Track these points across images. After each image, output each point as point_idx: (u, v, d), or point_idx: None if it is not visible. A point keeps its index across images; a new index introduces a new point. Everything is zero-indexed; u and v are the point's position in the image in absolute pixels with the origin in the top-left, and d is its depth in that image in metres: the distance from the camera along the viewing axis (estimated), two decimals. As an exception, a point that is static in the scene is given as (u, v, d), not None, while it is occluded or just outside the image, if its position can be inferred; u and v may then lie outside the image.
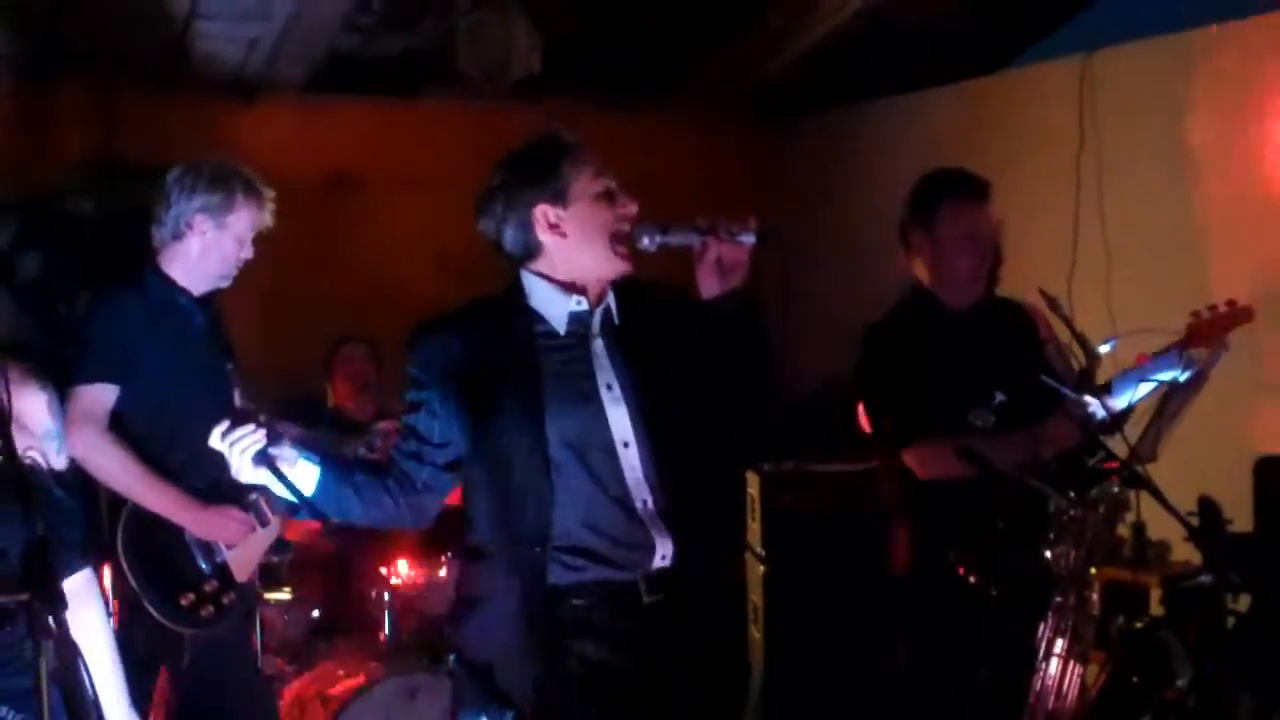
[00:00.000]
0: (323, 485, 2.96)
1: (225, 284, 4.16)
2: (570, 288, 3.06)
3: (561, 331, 3.06)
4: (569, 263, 3.05)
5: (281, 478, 2.86)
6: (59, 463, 2.71)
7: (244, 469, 2.86)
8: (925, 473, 4.04)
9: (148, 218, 4.13)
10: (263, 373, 4.43)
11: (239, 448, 2.84)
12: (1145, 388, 4.26)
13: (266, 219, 4.15)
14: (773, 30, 7.12)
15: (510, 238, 3.06)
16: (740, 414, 3.19)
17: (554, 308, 3.06)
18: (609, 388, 3.04)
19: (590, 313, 3.08)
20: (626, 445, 3.02)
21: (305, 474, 2.94)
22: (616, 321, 3.11)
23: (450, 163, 7.30)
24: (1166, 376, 4.34)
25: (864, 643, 4.51)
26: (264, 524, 4.11)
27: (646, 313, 3.13)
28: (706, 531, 3.14)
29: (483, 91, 5.59)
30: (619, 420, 3.02)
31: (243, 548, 4.08)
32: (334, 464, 3.00)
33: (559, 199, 3.01)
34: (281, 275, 6.65)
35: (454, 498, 3.15)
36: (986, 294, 4.27)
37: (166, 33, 6.11)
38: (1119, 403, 4.15)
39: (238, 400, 4.24)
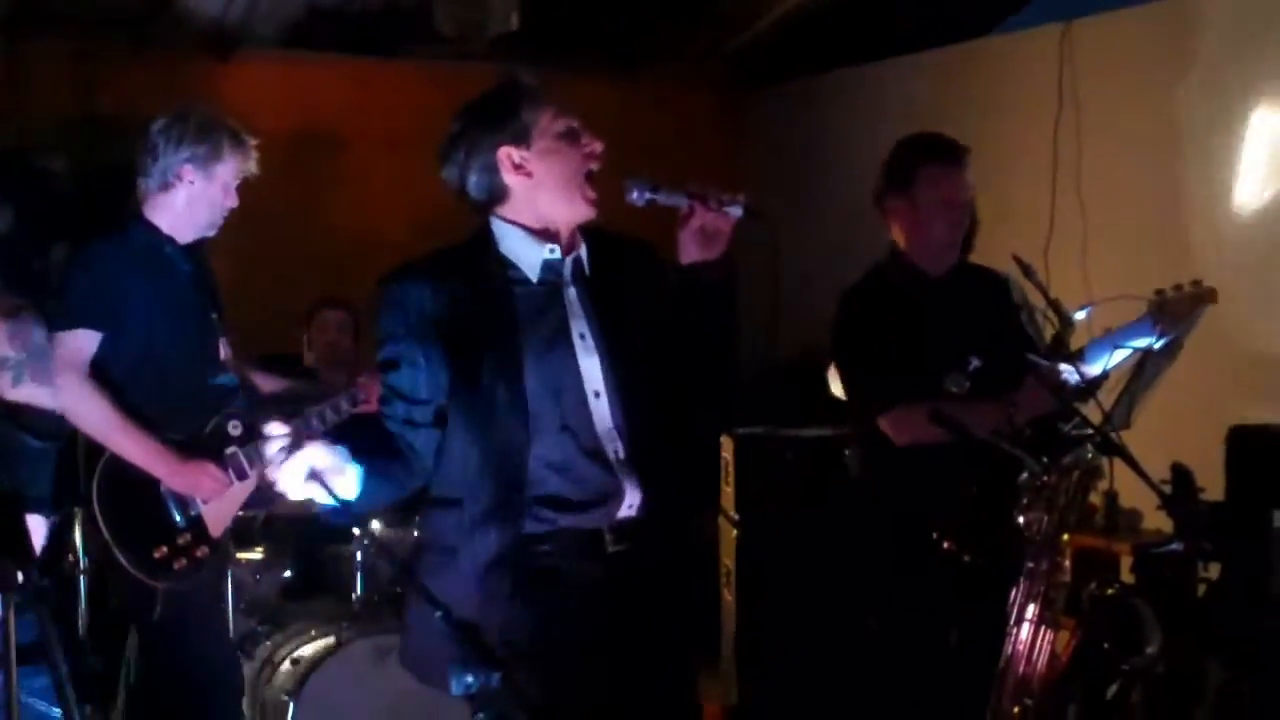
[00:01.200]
0: (363, 485, 2.90)
1: (212, 232, 4.14)
2: (542, 234, 3.05)
3: (534, 279, 3.05)
4: (536, 205, 3.03)
5: (329, 489, 2.77)
6: (15, 394, 2.66)
7: (293, 488, 2.75)
8: (901, 438, 4.04)
9: (123, 173, 4.11)
10: (238, 330, 4.40)
11: (288, 470, 2.72)
12: (1119, 354, 4.27)
13: (251, 166, 4.15)
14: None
15: (475, 183, 3.04)
16: (704, 381, 3.17)
17: (526, 254, 3.05)
18: (582, 337, 3.04)
19: (562, 260, 3.07)
20: (598, 395, 3.02)
21: (349, 479, 2.86)
22: (588, 271, 3.10)
23: (429, 122, 7.27)
24: (1141, 343, 4.35)
25: (836, 606, 4.52)
26: (241, 478, 4.10)
27: (619, 265, 3.12)
28: (674, 484, 3.12)
29: (460, 50, 5.56)
30: (590, 369, 3.02)
31: (219, 502, 4.06)
32: (366, 460, 2.91)
33: (521, 139, 3.00)
34: (257, 233, 6.61)
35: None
36: (962, 259, 4.27)
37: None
38: (1093, 369, 4.16)
39: (223, 352, 4.22)
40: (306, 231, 6.99)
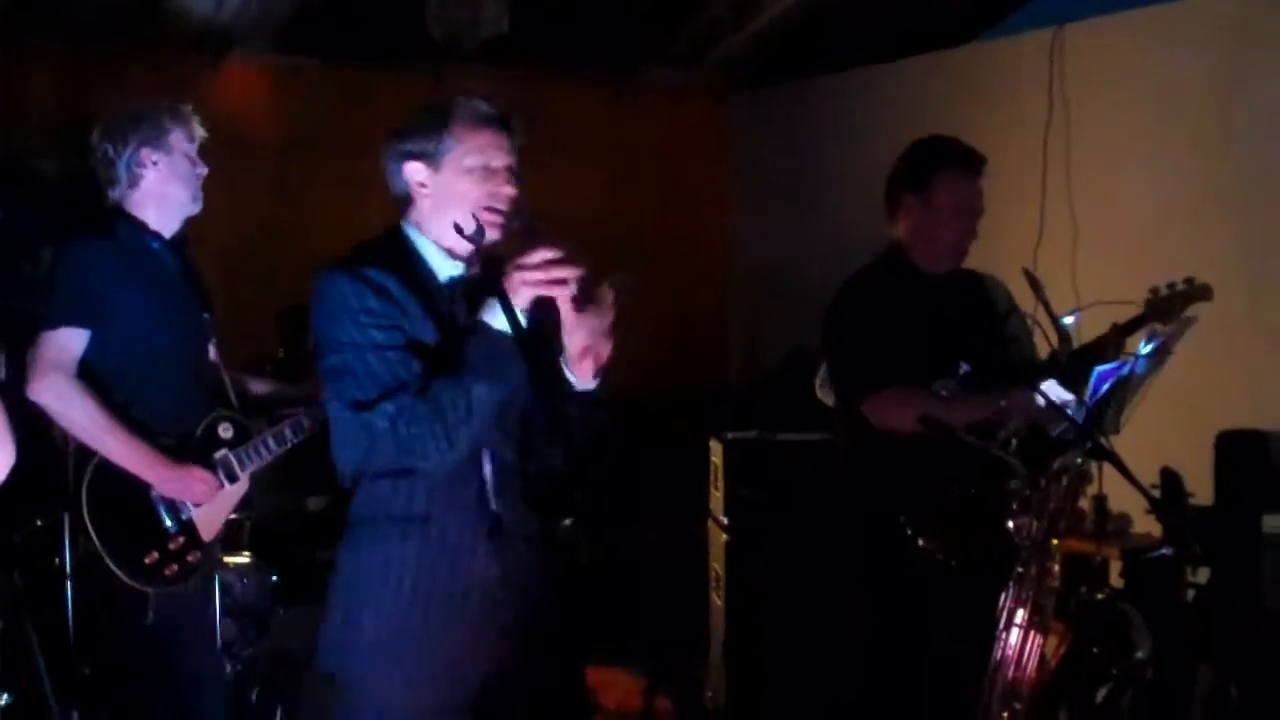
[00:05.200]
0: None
1: (197, 207, 4.10)
2: (448, 251, 3.08)
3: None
4: (432, 224, 3.06)
5: None
6: None
7: None
8: (880, 422, 4.04)
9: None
10: (228, 333, 4.39)
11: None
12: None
13: (199, 129, 4.14)
14: (742, 0, 7.11)
15: (392, 184, 3.11)
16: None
17: (437, 263, 3.09)
18: None
19: (463, 279, 3.09)
20: None
21: None
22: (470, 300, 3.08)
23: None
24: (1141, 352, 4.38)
25: (824, 610, 4.52)
26: (232, 481, 4.09)
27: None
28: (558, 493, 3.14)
29: (450, 55, 5.55)
30: None
31: (210, 506, 4.05)
32: None
33: (431, 161, 3.04)
34: (246, 236, 6.62)
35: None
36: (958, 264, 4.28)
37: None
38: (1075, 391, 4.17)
39: (212, 354, 4.21)
40: (296, 235, 6.97)
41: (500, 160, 3.04)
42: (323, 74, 7.12)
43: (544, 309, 2.95)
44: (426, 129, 3.04)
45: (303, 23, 6.63)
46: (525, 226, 2.97)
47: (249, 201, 6.61)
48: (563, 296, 2.91)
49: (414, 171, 3.04)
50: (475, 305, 2.97)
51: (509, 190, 3.03)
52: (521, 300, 2.87)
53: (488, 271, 3.03)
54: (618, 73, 7.65)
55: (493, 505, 3.02)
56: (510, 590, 3.04)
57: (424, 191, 3.05)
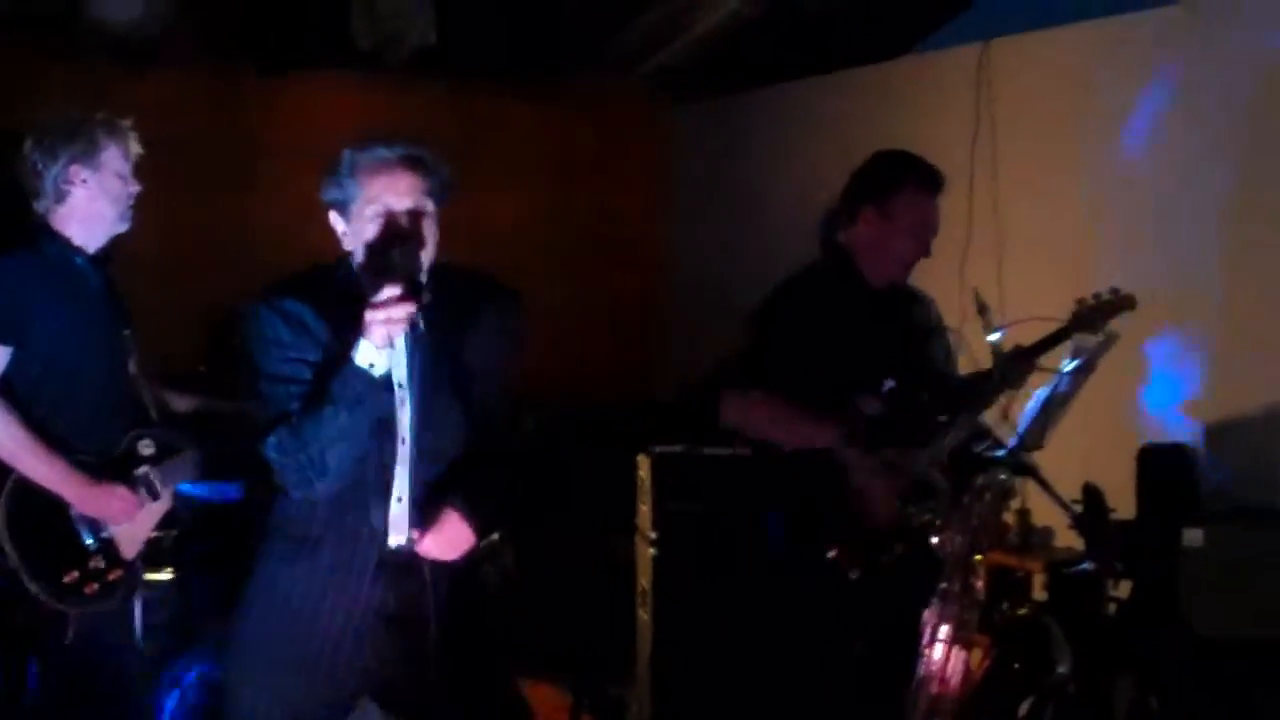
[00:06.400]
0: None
1: (125, 226, 4.06)
2: None
3: None
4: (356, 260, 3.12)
5: None
6: None
7: None
8: (724, 415, 4.06)
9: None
10: (150, 346, 4.34)
11: None
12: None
13: (135, 146, 4.09)
14: (675, 12, 7.11)
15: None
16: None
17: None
18: (400, 386, 3.14)
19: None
20: (404, 441, 3.16)
21: None
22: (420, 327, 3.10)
23: (343, 135, 7.25)
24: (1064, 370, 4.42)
25: (751, 624, 4.51)
26: (154, 499, 4.04)
27: (460, 311, 3.16)
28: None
29: (378, 64, 5.52)
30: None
31: (131, 523, 4.00)
32: None
33: (342, 208, 3.12)
34: (170, 244, 6.55)
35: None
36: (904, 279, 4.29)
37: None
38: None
39: (132, 369, 4.16)
40: (221, 244, 6.93)
41: (402, 203, 3.06)
42: (250, 82, 7.08)
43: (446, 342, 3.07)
44: (335, 178, 3.10)
45: (229, 30, 6.59)
46: (405, 268, 2.98)
47: (175, 208, 6.55)
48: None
49: (335, 221, 3.13)
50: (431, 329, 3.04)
51: (405, 233, 3.04)
52: (376, 338, 2.94)
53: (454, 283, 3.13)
54: (552, 83, 7.64)
55: (388, 540, 3.11)
56: (395, 622, 3.12)
57: (346, 240, 3.13)
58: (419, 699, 3.16)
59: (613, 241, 7.93)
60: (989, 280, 6.04)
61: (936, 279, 5.98)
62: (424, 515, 3.13)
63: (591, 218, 7.86)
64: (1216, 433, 5.38)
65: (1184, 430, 5.43)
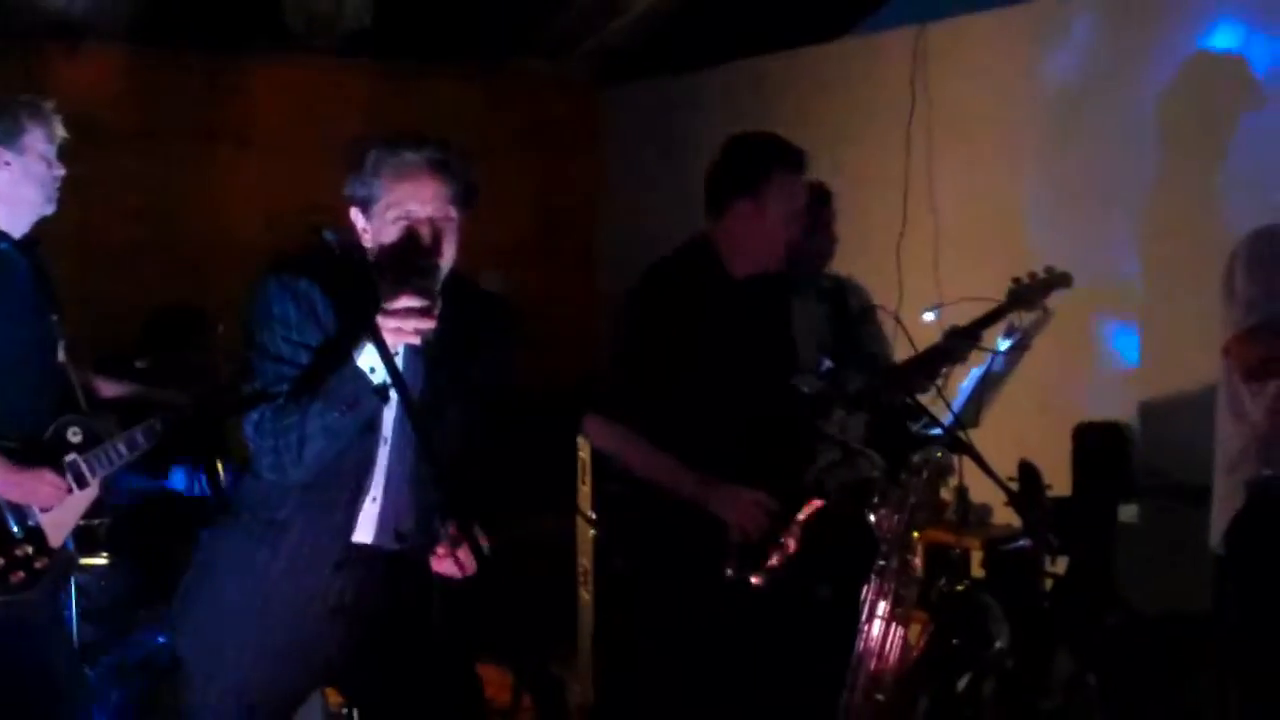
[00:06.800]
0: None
1: (50, 208, 4.00)
2: None
3: None
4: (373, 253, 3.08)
5: None
6: None
7: None
8: (589, 436, 4.00)
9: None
10: (81, 331, 4.29)
11: None
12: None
13: (59, 129, 4.03)
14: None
15: None
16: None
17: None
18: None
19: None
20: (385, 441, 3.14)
21: None
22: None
23: (280, 120, 7.21)
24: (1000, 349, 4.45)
25: (691, 604, 4.50)
26: (82, 486, 3.99)
27: (462, 321, 3.12)
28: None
29: (312, 47, 5.47)
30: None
31: (58, 510, 3.95)
32: None
33: (365, 209, 3.05)
34: (102, 229, 6.49)
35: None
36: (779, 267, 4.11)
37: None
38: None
39: (60, 355, 4.10)
40: (154, 228, 6.86)
41: (425, 210, 3.00)
42: (184, 64, 7.01)
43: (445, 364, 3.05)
44: (359, 176, 3.04)
45: (161, 11, 6.52)
46: (424, 279, 2.93)
47: (107, 192, 6.48)
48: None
49: (355, 217, 3.06)
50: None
51: (425, 244, 2.99)
52: (386, 343, 2.87)
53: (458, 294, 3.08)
54: (487, 65, 7.61)
55: (355, 536, 3.08)
56: (355, 616, 3.10)
57: (366, 236, 3.06)
58: (377, 692, 3.15)
59: (549, 224, 7.92)
60: (925, 262, 6.09)
61: (873, 261, 6.04)
62: (399, 518, 3.11)
63: (527, 201, 7.84)
64: (1150, 410, 5.44)
65: (1119, 408, 5.48)
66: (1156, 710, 4.65)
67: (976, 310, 4.58)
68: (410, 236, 2.98)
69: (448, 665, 3.28)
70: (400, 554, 3.15)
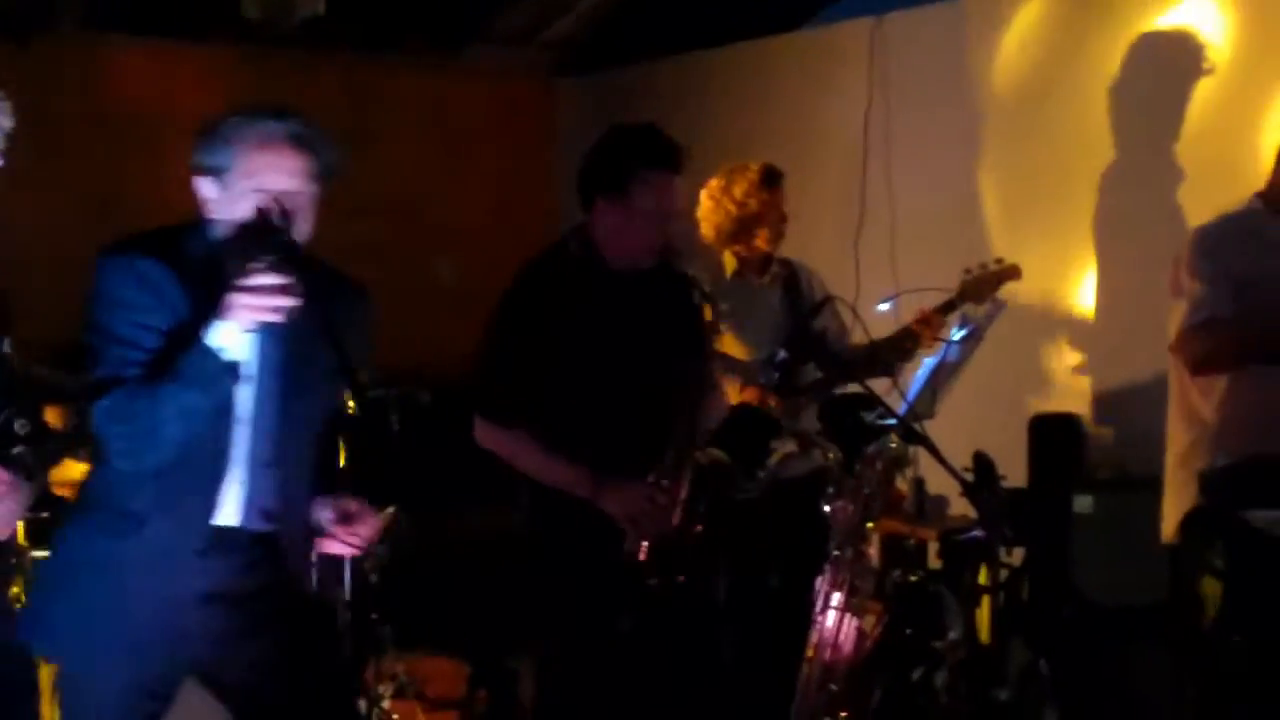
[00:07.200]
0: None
1: None
2: None
3: None
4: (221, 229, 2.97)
5: None
6: None
7: None
8: (481, 441, 3.86)
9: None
10: (29, 321, 4.24)
11: None
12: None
13: (5, 120, 3.98)
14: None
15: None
16: None
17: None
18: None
19: None
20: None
21: None
22: None
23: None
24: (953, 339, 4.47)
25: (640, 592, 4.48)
26: (29, 479, 3.94)
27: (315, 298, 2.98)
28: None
29: (268, 35, 5.42)
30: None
31: (3, 504, 3.90)
32: None
33: (219, 179, 2.92)
34: (57, 218, 6.42)
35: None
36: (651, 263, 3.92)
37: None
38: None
39: (6, 347, 4.05)
40: (109, 218, 6.79)
41: (284, 184, 2.87)
42: (136, 52, 6.95)
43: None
44: (212, 142, 2.91)
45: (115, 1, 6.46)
46: (281, 255, 2.80)
47: (63, 182, 6.43)
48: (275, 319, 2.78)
49: (203, 187, 2.93)
50: None
51: (283, 218, 2.86)
52: (237, 322, 2.77)
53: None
54: (444, 55, 7.57)
55: (220, 520, 2.96)
56: (225, 602, 2.98)
57: (212, 208, 2.93)
58: (248, 679, 3.02)
59: (505, 215, 7.89)
60: (882, 253, 6.10)
61: (831, 253, 6.04)
62: (264, 500, 2.99)
63: (484, 191, 7.80)
64: (1104, 402, 5.47)
65: (1074, 400, 5.51)
66: (1110, 700, 4.67)
67: (931, 301, 4.60)
68: (268, 210, 2.83)
69: (321, 652, 3.19)
70: (272, 536, 3.02)
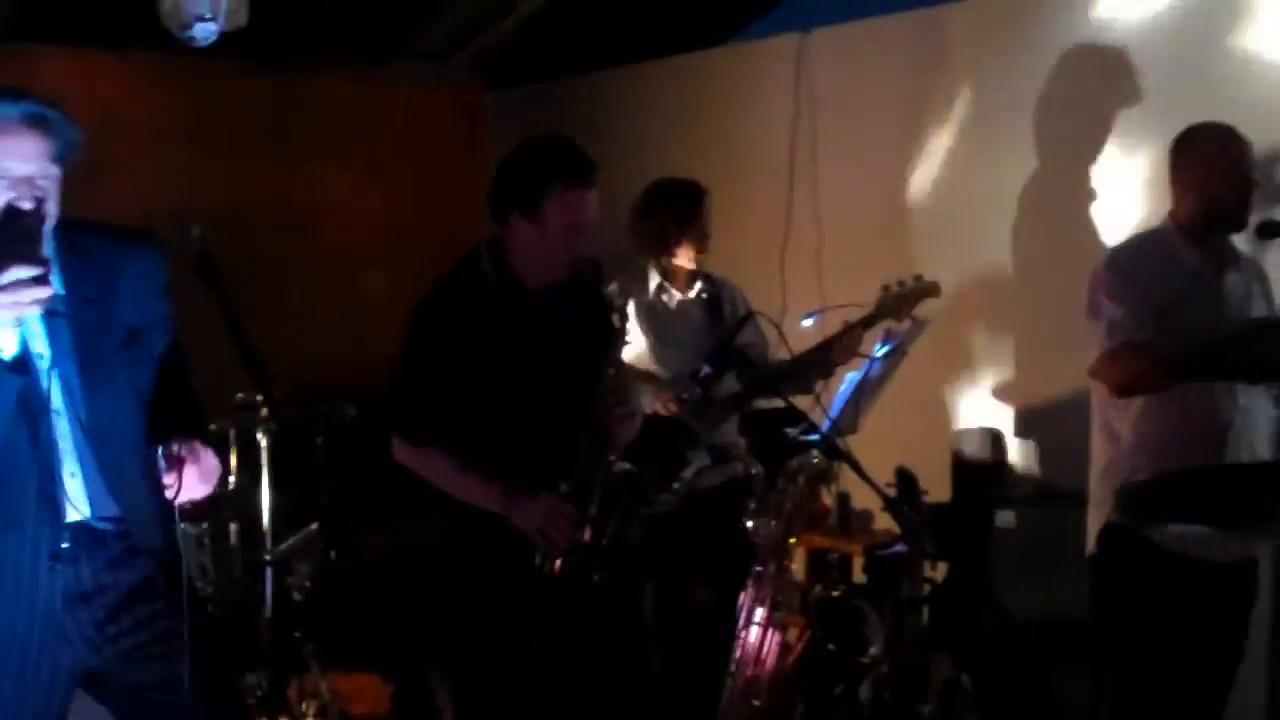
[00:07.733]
0: None
1: None
2: None
3: None
4: None
5: None
6: None
7: None
8: (397, 456, 3.83)
9: None
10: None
11: None
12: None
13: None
14: (494, -4, 7.07)
15: None
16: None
17: None
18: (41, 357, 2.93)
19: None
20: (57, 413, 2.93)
21: None
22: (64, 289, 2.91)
23: (158, 117, 7.08)
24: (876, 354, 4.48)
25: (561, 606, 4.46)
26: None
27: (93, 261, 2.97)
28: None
29: (186, 48, 5.37)
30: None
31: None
32: None
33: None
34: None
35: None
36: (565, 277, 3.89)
37: None
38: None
39: None
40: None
41: (24, 169, 2.78)
42: (58, 63, 6.86)
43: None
44: None
45: (34, 9, 6.37)
46: (29, 245, 2.72)
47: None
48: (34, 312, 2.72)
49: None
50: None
51: (27, 205, 2.78)
52: (7, 317, 2.70)
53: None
54: (369, 68, 7.53)
55: (68, 517, 2.88)
56: (91, 599, 2.91)
57: None
58: (130, 677, 2.95)
59: (430, 229, 7.83)
60: (808, 268, 6.12)
61: (757, 267, 6.06)
62: (109, 481, 2.90)
63: (412, 203, 7.76)
64: (1026, 417, 5.51)
65: (995, 415, 5.55)
66: (1032, 715, 4.70)
67: (854, 317, 4.62)
68: (9, 199, 2.75)
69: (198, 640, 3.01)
70: (124, 521, 2.94)
